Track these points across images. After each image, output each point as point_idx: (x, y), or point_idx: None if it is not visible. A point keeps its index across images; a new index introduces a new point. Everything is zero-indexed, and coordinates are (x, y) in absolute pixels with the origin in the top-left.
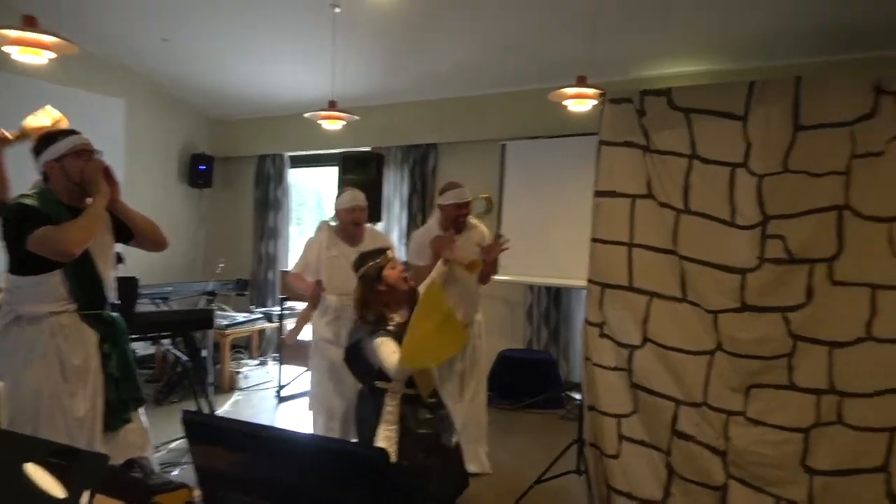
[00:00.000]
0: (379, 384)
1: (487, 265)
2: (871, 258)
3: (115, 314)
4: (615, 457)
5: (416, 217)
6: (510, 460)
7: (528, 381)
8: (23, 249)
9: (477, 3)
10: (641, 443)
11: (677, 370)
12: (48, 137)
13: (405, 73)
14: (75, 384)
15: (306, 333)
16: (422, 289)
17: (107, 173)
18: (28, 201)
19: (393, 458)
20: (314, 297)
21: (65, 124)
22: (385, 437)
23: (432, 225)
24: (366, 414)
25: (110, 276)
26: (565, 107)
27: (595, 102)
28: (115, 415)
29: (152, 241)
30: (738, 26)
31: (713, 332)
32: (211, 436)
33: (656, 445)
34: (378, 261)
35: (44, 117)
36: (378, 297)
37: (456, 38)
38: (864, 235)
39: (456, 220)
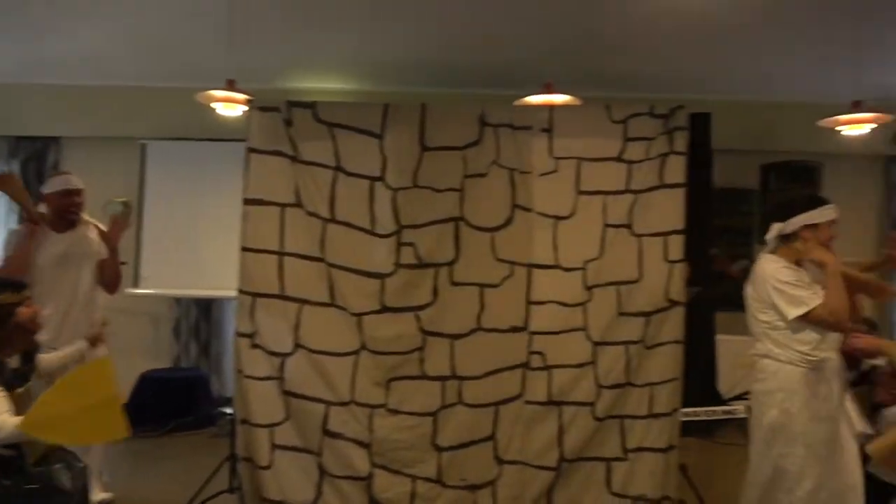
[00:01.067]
0: None
1: (111, 254)
2: (479, 262)
3: None
4: (268, 467)
5: None
6: (159, 488)
7: (175, 403)
8: None
9: None
10: (294, 448)
11: (327, 372)
12: None
13: (10, 48)
14: None
15: None
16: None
17: None
18: None
19: None
20: None
21: None
22: None
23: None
24: None
25: None
26: (214, 110)
27: (245, 108)
28: None
29: None
30: (376, 52)
31: (358, 333)
32: None
33: (308, 449)
34: (11, 295)
35: None
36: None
37: (76, 19)
38: (474, 243)
39: (66, 211)
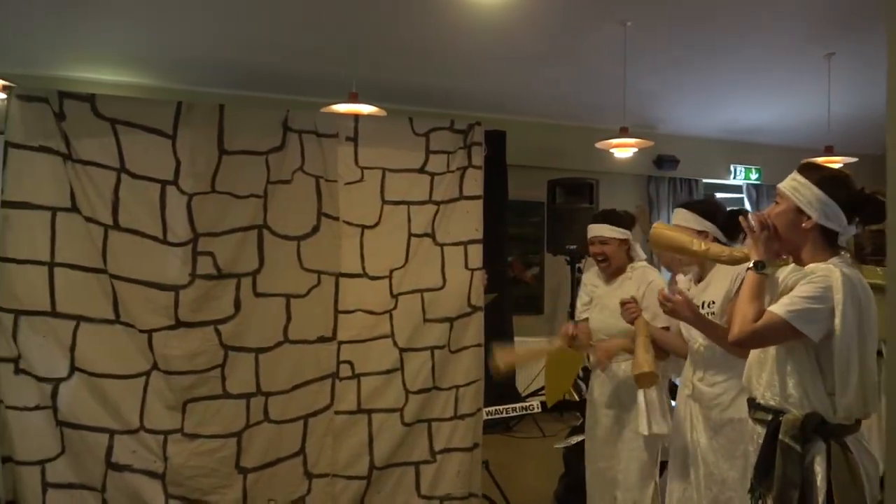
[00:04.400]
0: None
1: None
2: (285, 272)
3: None
4: None
5: None
6: None
7: None
8: None
9: None
10: (70, 486)
11: (111, 398)
12: None
13: None
14: None
15: None
16: None
17: None
18: None
19: None
20: None
21: None
22: None
23: None
24: None
25: None
26: None
27: (3, 96)
28: None
29: None
30: (170, 47)
31: (148, 352)
32: None
33: (88, 485)
34: None
35: None
36: None
37: None
38: (279, 252)
39: None
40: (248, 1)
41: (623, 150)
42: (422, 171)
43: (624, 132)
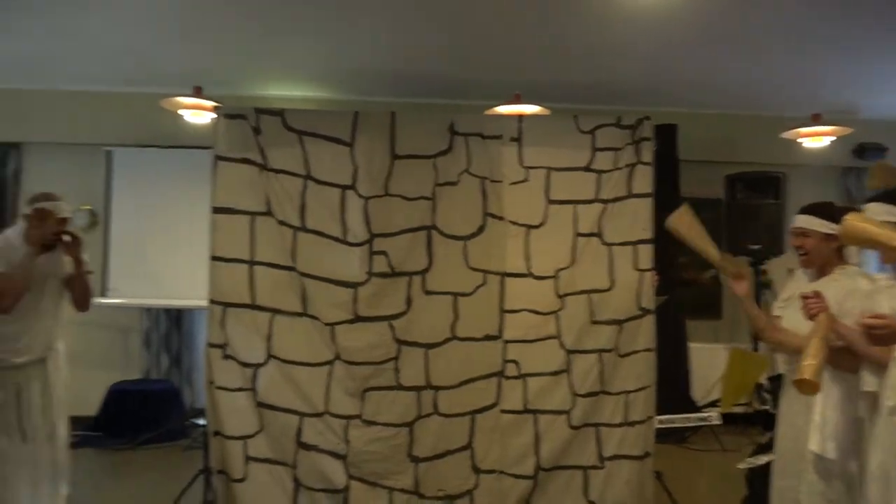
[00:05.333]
0: None
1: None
2: (452, 270)
3: None
4: (242, 480)
5: None
6: (129, 503)
7: (146, 415)
8: None
9: None
10: (268, 461)
11: (300, 383)
12: None
13: None
14: None
15: None
16: None
17: None
18: None
19: None
20: None
21: None
22: None
23: (12, 234)
24: None
25: None
26: (181, 116)
27: (213, 116)
28: None
29: None
30: (344, 61)
31: (331, 343)
32: None
33: (282, 461)
34: None
35: None
36: None
37: (33, 21)
38: (447, 251)
39: (52, 239)
40: (417, 13)
41: (815, 139)
42: (588, 169)
43: (816, 119)
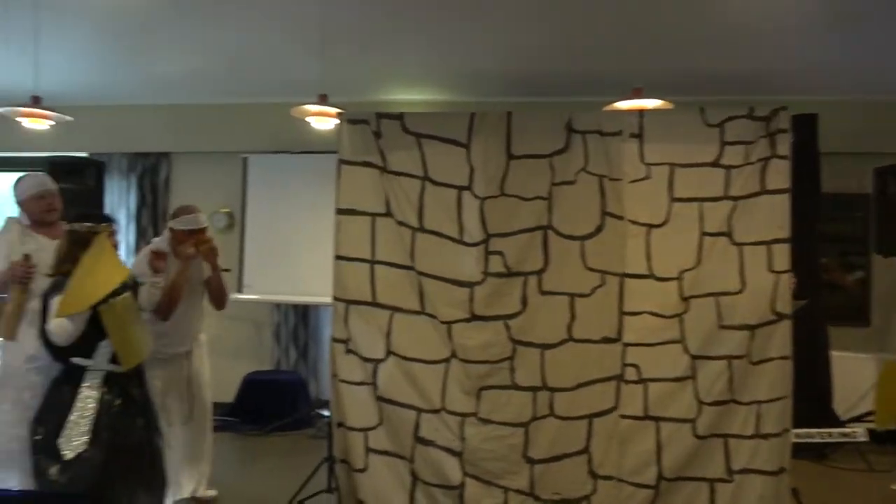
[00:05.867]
0: (77, 361)
1: (214, 272)
2: (569, 271)
3: None
4: (363, 470)
5: (146, 231)
6: (260, 486)
7: (276, 404)
8: None
9: (206, 9)
10: (387, 453)
11: (418, 380)
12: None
13: (128, 73)
14: None
15: None
16: None
17: None
18: None
19: (81, 450)
20: (19, 276)
21: None
22: (76, 432)
23: (161, 242)
24: (56, 398)
25: None
26: (308, 123)
27: (337, 121)
28: None
29: None
30: (461, 62)
31: (448, 341)
32: None
33: (401, 454)
34: (95, 226)
35: None
36: (78, 259)
37: (183, 42)
38: (563, 251)
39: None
40: (532, 11)
41: None
42: (716, 164)
43: None
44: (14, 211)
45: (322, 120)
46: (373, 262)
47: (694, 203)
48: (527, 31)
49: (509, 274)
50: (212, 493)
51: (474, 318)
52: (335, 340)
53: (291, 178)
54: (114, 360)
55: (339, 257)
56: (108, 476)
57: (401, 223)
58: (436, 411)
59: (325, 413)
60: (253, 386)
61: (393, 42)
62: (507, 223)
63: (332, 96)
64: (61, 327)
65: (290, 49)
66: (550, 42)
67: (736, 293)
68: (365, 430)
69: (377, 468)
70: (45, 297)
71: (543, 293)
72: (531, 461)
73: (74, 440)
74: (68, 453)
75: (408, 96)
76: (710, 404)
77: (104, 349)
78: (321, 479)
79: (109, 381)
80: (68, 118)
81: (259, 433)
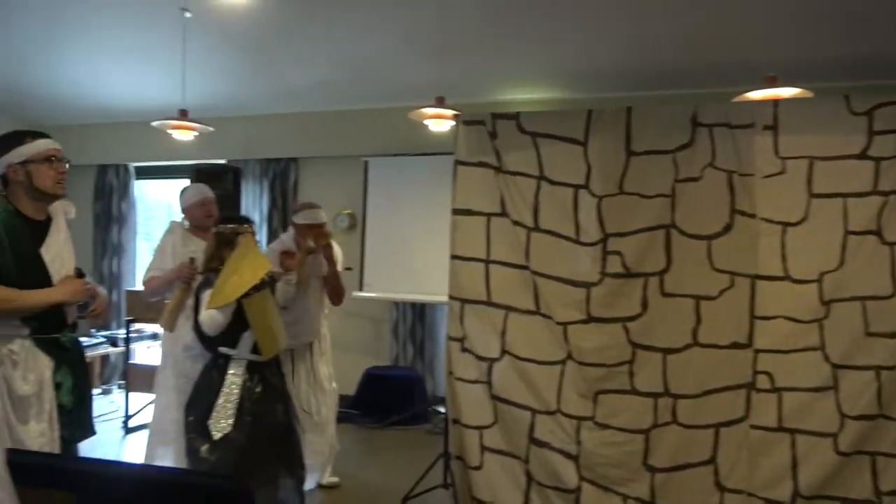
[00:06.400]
0: (224, 350)
1: (331, 273)
2: (694, 272)
3: (72, 338)
4: (478, 468)
5: (276, 232)
6: (379, 477)
7: (394, 398)
8: None
9: (331, 22)
10: (501, 452)
11: (533, 380)
12: (12, 136)
13: (261, 85)
14: (25, 415)
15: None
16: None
17: None
18: None
19: (227, 432)
20: (185, 276)
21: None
22: (223, 415)
23: (286, 239)
24: (206, 384)
25: None
26: (426, 126)
27: (453, 123)
28: (66, 449)
29: None
30: (578, 60)
31: (564, 342)
32: (45, 476)
33: (515, 454)
34: (238, 227)
35: None
36: (224, 257)
37: (310, 54)
38: (687, 251)
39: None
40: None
41: None
42: (863, 156)
43: None
44: (170, 214)
45: (439, 122)
46: (488, 262)
47: (837, 199)
48: (646, 23)
49: (628, 275)
50: (334, 479)
51: (591, 319)
52: (451, 338)
53: (410, 180)
54: (255, 350)
55: (454, 257)
56: (251, 458)
57: (516, 223)
58: (551, 413)
59: (441, 409)
60: (372, 380)
61: (507, 42)
62: (626, 222)
63: (448, 99)
64: (211, 318)
65: (408, 54)
66: (670, 32)
67: (886, 298)
68: (480, 428)
69: (492, 466)
70: (197, 292)
71: (665, 295)
72: (652, 469)
73: (222, 422)
74: (216, 434)
75: (524, 96)
76: (854, 418)
77: (247, 339)
78: (437, 474)
79: (251, 369)
80: (210, 129)
81: (378, 426)
